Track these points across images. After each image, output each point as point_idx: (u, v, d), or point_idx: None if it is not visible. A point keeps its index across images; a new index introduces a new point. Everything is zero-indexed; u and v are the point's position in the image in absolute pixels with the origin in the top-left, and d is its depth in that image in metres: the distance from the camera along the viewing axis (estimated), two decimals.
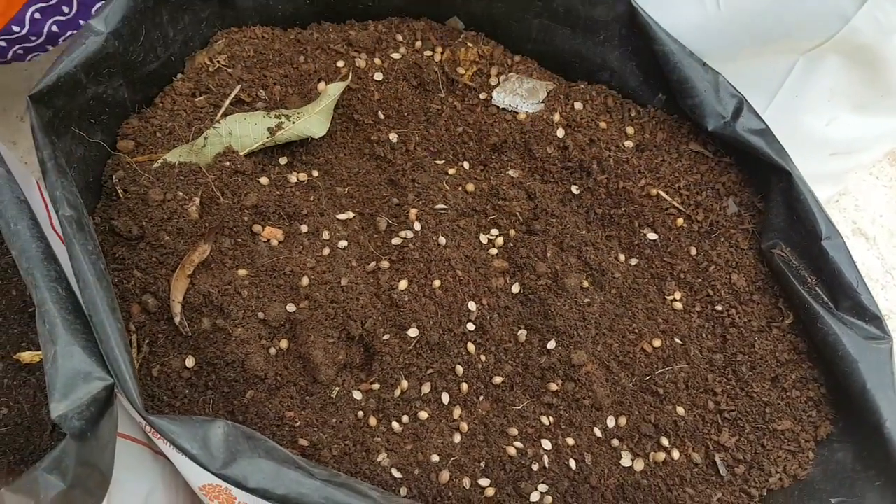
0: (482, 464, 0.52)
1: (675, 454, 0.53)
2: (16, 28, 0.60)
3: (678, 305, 0.57)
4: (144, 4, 0.54)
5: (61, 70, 0.49)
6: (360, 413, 0.52)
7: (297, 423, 0.50)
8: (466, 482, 0.52)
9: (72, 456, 0.42)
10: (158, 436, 0.44)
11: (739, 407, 0.54)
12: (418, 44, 0.65)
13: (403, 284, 0.56)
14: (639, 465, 0.53)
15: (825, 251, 0.52)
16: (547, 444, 0.53)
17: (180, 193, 0.54)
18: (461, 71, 0.64)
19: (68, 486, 0.42)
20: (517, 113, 0.63)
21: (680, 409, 0.54)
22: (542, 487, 0.52)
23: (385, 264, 0.57)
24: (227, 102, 0.59)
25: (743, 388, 0.55)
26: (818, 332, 0.52)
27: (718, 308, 0.57)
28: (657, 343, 0.56)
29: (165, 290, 0.51)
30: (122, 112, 0.57)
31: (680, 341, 0.56)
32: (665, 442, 0.53)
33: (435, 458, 0.52)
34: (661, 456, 0.53)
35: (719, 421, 0.54)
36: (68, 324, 0.45)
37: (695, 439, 0.54)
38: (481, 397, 0.55)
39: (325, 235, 0.57)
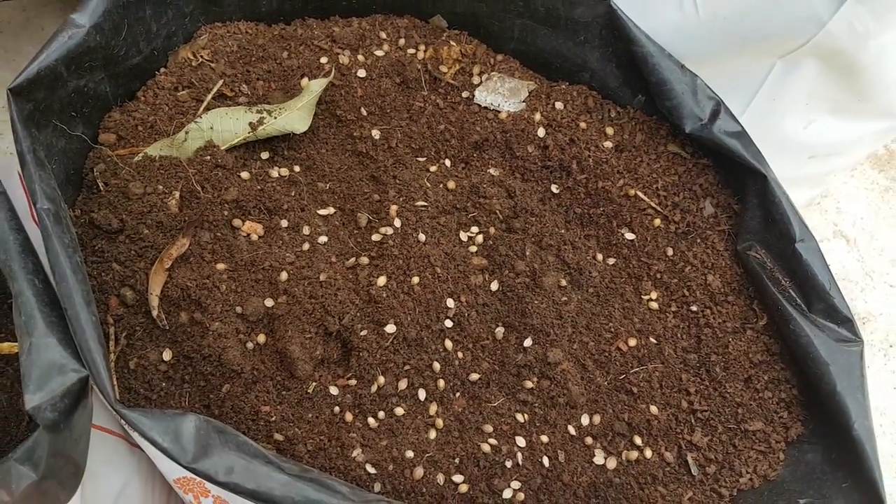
0: (456, 460, 0.53)
1: (648, 453, 0.53)
2: None
3: (654, 305, 0.58)
4: None
5: (42, 63, 0.50)
6: (337, 408, 0.53)
7: (273, 418, 0.51)
8: (440, 478, 0.52)
9: (44, 447, 0.42)
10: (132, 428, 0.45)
11: (712, 407, 0.55)
12: (402, 41, 0.65)
13: (382, 280, 0.56)
14: (611, 464, 0.53)
15: (798, 253, 0.52)
16: (521, 442, 0.53)
17: (160, 187, 0.54)
18: (444, 69, 0.64)
19: (40, 476, 0.42)
20: (499, 112, 0.63)
21: (653, 409, 0.55)
22: (515, 484, 0.52)
23: (364, 260, 0.57)
24: (210, 97, 0.59)
25: (716, 388, 0.55)
26: (791, 333, 0.53)
27: (693, 308, 0.57)
28: (632, 342, 0.56)
29: (144, 284, 0.52)
30: (103, 105, 0.57)
31: (655, 341, 0.57)
32: (638, 441, 0.54)
33: (409, 454, 0.52)
34: (634, 454, 0.53)
35: (692, 421, 0.55)
36: (44, 315, 0.45)
37: (667, 438, 0.54)
38: (457, 394, 0.55)
39: (306, 231, 0.57)
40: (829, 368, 0.50)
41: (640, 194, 0.60)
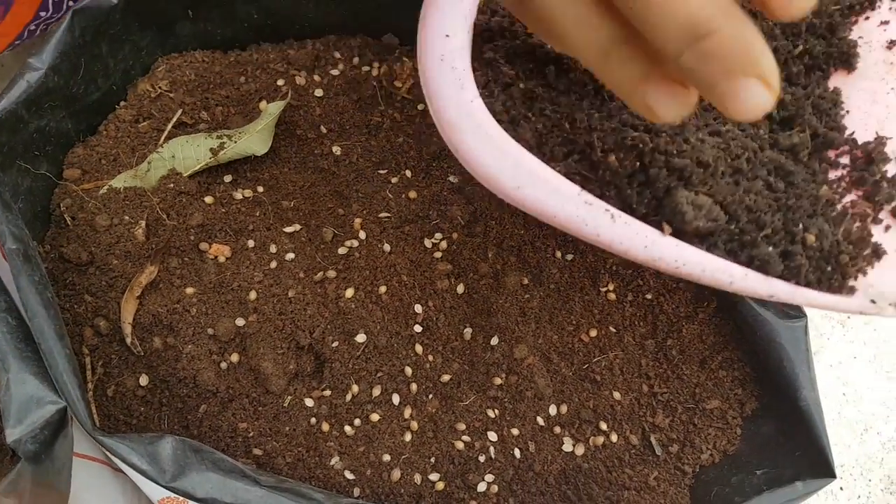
0: (432, 459, 0.55)
1: (614, 437, 0.56)
2: (42, 13, 0.61)
3: (612, 296, 0.60)
4: (83, 38, 0.55)
5: (2, 108, 0.51)
6: (313, 420, 0.55)
7: (251, 434, 0.53)
8: (417, 478, 0.54)
9: (27, 478, 0.44)
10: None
11: (671, 389, 0.57)
12: (356, 60, 0.67)
13: (350, 292, 0.58)
14: (580, 450, 0.56)
15: None
16: (493, 436, 0.56)
17: (126, 218, 0.56)
18: (398, 84, 0.67)
19: None
20: None
21: (616, 394, 0.57)
22: (489, 477, 0.54)
23: (332, 274, 0.59)
24: (170, 126, 0.61)
25: (674, 371, 0.58)
26: (739, 314, 0.55)
27: (648, 297, 0.60)
28: (593, 333, 0.59)
29: (116, 313, 0.53)
30: (66, 142, 0.59)
31: (614, 330, 0.59)
32: (604, 426, 0.56)
33: (386, 457, 0.54)
34: (601, 440, 0.56)
35: (653, 403, 0.57)
36: (19, 352, 0.47)
37: (631, 422, 0.57)
38: (430, 396, 0.57)
39: (272, 249, 0.59)
40: (776, 344, 0.53)
41: None
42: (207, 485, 0.42)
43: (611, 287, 0.61)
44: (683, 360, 0.58)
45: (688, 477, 0.55)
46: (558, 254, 0.62)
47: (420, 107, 0.67)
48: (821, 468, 0.49)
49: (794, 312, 0.54)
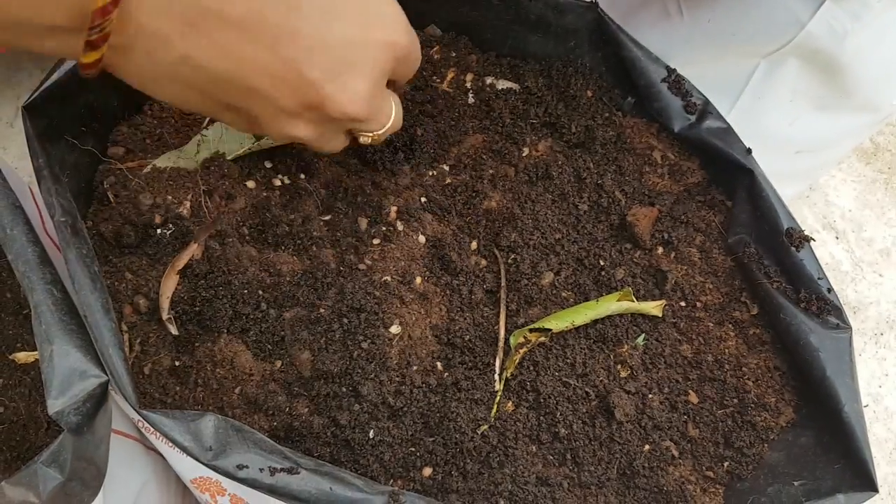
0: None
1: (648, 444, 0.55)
2: None
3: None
4: None
5: (55, 81, 0.51)
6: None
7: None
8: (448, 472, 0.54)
9: (69, 450, 0.44)
10: (151, 431, 0.46)
11: (708, 395, 0.57)
12: None
13: (386, 281, 0.58)
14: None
15: (787, 244, 0.54)
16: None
17: (169, 198, 0.56)
18: (437, 77, 0.67)
19: (66, 478, 0.44)
20: None
21: (654, 401, 0.56)
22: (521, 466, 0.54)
23: (367, 263, 0.59)
24: None
25: (711, 376, 0.57)
26: (781, 322, 0.55)
27: (684, 303, 0.59)
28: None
29: (156, 292, 0.53)
30: (112, 120, 0.59)
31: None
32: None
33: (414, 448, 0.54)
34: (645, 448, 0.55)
35: (689, 410, 0.57)
36: (64, 324, 0.47)
37: (669, 428, 0.56)
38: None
39: (312, 234, 0.59)
40: (819, 354, 0.52)
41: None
42: (248, 465, 0.42)
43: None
44: (720, 367, 0.57)
45: (721, 485, 0.54)
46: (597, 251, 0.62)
47: (460, 101, 0.66)
48: (862, 481, 0.48)
49: (839, 323, 0.53)
